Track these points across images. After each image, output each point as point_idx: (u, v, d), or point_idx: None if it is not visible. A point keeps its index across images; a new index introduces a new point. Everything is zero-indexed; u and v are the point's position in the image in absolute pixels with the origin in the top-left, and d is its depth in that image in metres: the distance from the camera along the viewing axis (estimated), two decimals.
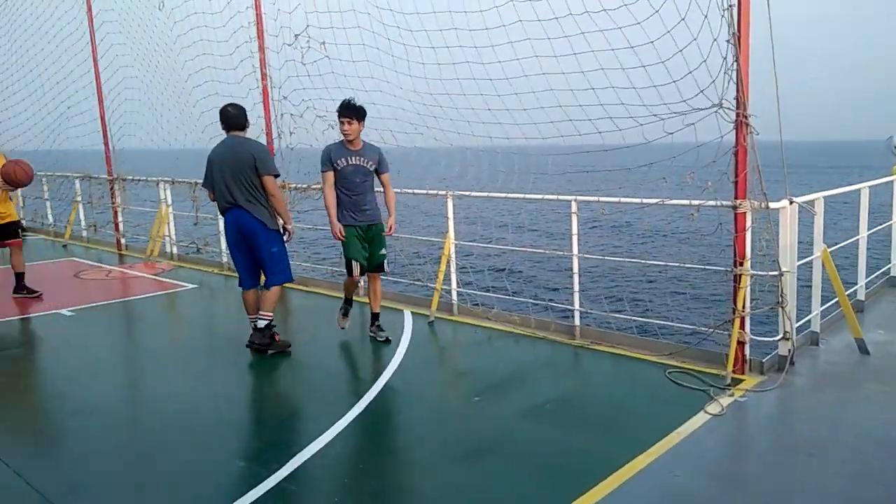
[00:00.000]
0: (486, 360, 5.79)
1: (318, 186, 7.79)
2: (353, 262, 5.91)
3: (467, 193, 6.93)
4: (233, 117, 5.76)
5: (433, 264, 7.21)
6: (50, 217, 13.72)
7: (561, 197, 6.19)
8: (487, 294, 7.03)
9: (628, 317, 6.54)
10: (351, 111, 5.76)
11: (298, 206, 8.38)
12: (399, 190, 6.72)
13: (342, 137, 5.88)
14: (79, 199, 12.63)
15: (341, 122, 5.81)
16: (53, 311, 7.46)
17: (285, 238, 5.92)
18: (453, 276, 6.88)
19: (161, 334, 6.93)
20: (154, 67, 10.23)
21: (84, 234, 12.61)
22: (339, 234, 5.87)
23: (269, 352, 5.85)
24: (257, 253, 5.77)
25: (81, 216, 12.70)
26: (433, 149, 7.01)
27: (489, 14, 5.74)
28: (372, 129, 6.07)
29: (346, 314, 6.31)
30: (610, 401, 4.76)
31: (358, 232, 5.93)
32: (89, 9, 10.99)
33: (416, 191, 7.16)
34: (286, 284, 6.13)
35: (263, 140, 8.21)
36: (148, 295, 8.41)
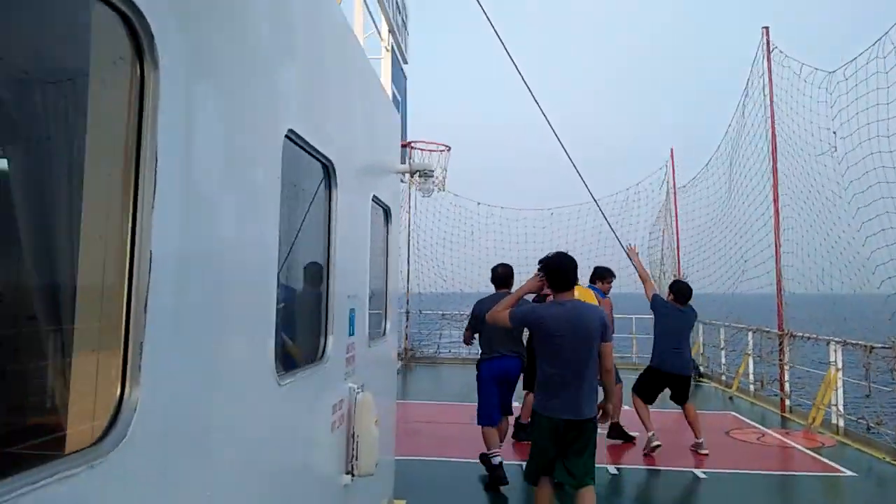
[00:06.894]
0: None
1: None
2: None
3: None
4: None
5: None
6: (722, 366, 13.83)
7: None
8: None
9: None
10: None
11: None
12: None
13: None
14: (749, 351, 12.36)
15: None
16: (687, 469, 7.12)
17: None
18: None
19: None
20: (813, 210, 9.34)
21: (751, 388, 12.16)
22: None
23: None
24: None
25: (751, 369, 12.34)
26: None
27: None
28: None
29: None
30: None
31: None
32: (774, 172, 10.99)
33: None
34: None
35: None
36: (795, 473, 7.24)
